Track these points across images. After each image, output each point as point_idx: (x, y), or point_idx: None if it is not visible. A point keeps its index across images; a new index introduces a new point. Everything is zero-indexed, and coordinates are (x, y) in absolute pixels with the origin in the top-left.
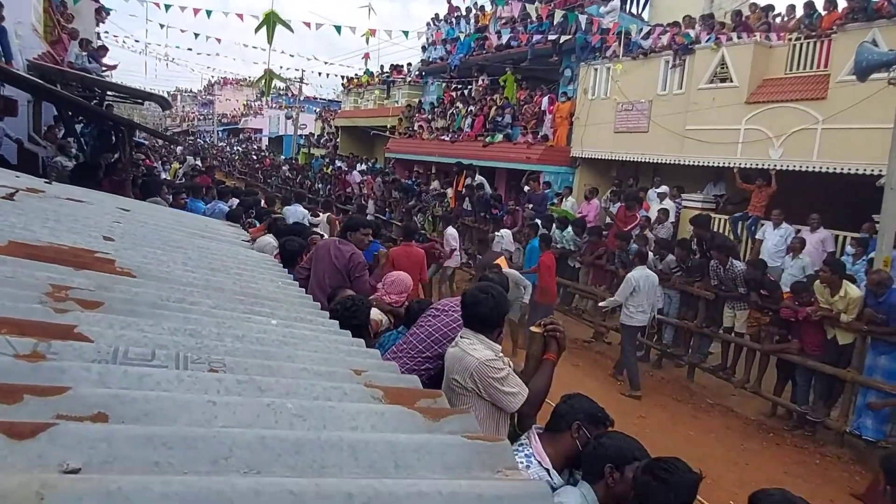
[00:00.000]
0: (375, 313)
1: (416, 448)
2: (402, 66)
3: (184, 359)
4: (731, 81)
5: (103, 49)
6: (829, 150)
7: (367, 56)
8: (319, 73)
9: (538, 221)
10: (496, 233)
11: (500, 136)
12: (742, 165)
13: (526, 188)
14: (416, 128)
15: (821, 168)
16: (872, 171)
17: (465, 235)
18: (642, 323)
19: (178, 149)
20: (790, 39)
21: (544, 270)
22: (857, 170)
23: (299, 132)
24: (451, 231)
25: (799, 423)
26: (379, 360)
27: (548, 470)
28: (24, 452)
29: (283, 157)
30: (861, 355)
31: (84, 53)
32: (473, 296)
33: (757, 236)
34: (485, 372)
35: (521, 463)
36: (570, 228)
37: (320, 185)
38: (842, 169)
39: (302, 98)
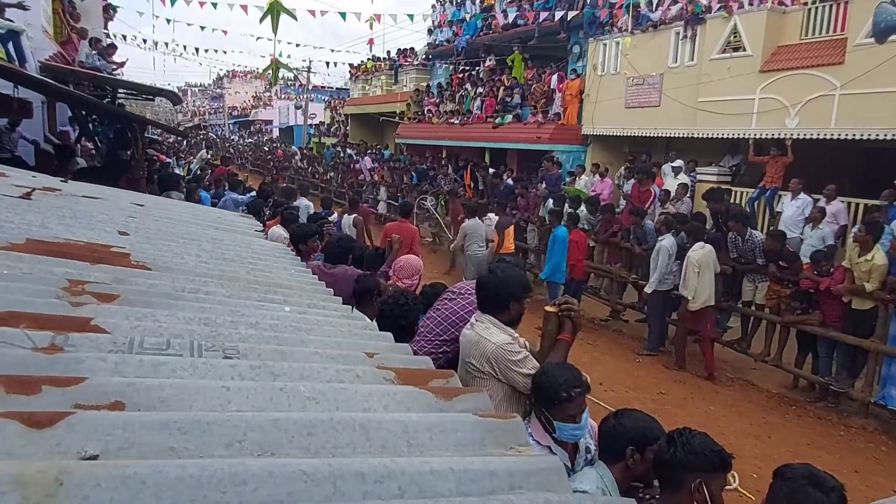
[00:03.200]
0: None
1: (429, 427)
2: (409, 51)
3: (198, 347)
4: (745, 50)
5: (112, 47)
6: (848, 116)
7: (371, 41)
8: (327, 64)
9: (566, 210)
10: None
11: (509, 117)
12: (757, 136)
13: (541, 169)
14: (425, 112)
15: (839, 135)
16: (894, 136)
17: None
18: (670, 287)
19: (184, 142)
20: (805, 4)
21: (573, 247)
22: (878, 135)
23: (309, 122)
24: (492, 216)
25: (822, 395)
26: (391, 343)
27: (549, 447)
28: (43, 441)
29: (294, 147)
30: (885, 324)
31: (94, 52)
32: (482, 278)
33: (777, 209)
34: (502, 355)
35: None
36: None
37: (332, 174)
38: (861, 135)
39: (310, 87)
